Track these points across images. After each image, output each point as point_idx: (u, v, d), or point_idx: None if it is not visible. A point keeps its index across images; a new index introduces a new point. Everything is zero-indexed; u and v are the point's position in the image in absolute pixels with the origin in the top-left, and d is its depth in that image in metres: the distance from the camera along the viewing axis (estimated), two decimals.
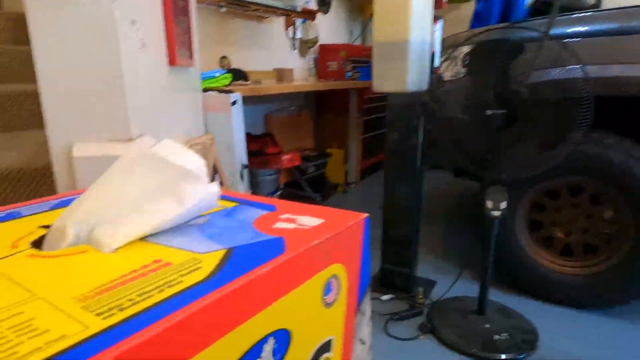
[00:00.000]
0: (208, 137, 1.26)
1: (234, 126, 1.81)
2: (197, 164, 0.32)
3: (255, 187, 2.70)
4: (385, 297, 1.79)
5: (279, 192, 2.84)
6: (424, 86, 1.44)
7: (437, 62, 1.59)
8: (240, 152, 1.86)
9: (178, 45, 1.07)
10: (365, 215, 0.39)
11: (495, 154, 1.40)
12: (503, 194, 1.43)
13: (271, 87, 2.28)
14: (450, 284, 1.87)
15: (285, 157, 2.69)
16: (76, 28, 0.57)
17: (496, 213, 1.43)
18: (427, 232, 2.53)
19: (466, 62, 1.78)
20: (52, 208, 0.38)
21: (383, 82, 1.41)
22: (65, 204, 0.39)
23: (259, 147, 2.72)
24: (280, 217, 0.35)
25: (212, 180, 1.11)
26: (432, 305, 1.73)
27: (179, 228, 0.31)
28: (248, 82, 2.28)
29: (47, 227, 0.32)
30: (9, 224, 0.34)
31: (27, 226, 0.33)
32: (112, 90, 0.60)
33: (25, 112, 1.68)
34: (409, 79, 1.34)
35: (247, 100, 1.89)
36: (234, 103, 1.79)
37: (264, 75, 2.89)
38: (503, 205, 1.43)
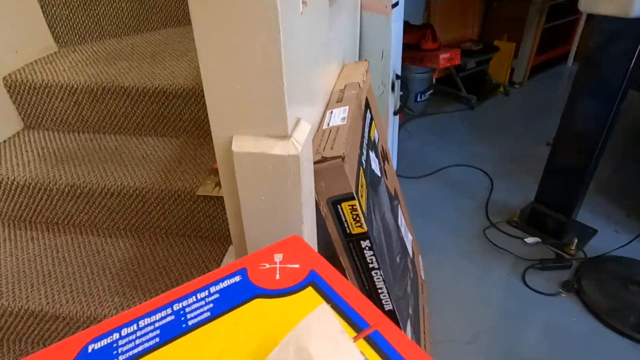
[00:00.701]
0: (363, 66, 1.15)
1: (393, 31, 1.62)
2: None
3: (404, 84, 2.51)
4: (530, 240, 1.65)
5: (430, 92, 2.63)
6: None
7: None
8: (395, 61, 1.71)
9: None
10: None
11: None
12: None
13: None
14: (613, 238, 1.62)
15: (444, 55, 2.40)
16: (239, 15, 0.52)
17: None
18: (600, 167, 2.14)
19: None
20: (215, 314, 0.39)
21: (597, 0, 1.05)
22: (223, 303, 0.38)
23: (416, 41, 2.45)
24: None
25: (364, 116, 1.05)
26: (586, 260, 1.55)
27: None
28: None
29: None
30: (175, 348, 0.34)
31: (194, 358, 0.33)
32: (269, 83, 0.56)
33: (182, 11, 1.73)
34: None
35: None
36: (395, 5, 1.58)
37: None
38: None
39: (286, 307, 0.40)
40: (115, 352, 0.37)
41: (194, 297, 0.43)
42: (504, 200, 1.88)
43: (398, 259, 1.09)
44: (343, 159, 0.70)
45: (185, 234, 1.16)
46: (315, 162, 0.71)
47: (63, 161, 1.19)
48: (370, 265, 0.81)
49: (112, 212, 1.15)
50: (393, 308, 0.88)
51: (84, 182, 1.11)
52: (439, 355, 1.25)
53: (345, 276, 0.85)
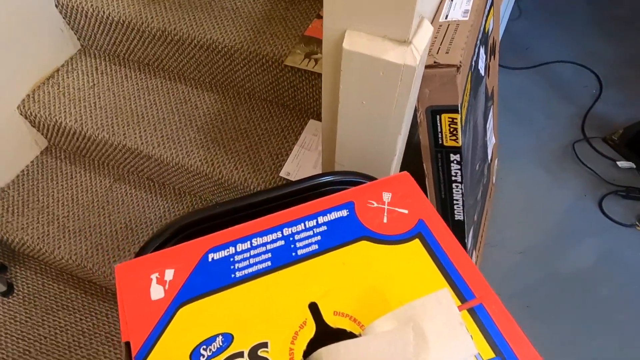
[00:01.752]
0: None
1: None
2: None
3: None
4: (622, 164, 1.51)
5: None
6: None
7: None
8: None
9: None
10: None
11: None
12: None
13: None
14: None
15: None
16: None
17: None
18: None
19: None
20: (323, 249, 0.37)
21: None
22: (331, 238, 0.36)
23: None
24: None
25: (486, 3, 0.89)
26: None
27: None
28: None
29: (315, 311, 0.34)
30: (285, 276, 0.34)
31: (302, 291, 0.33)
32: None
33: None
34: None
35: None
36: None
37: None
38: None
39: (392, 257, 0.40)
40: (232, 267, 0.40)
41: (302, 224, 0.43)
42: (607, 113, 1.68)
43: (477, 167, 1.05)
44: (458, 68, 0.62)
45: (267, 99, 1.16)
46: (425, 67, 0.64)
47: (155, 0, 1.16)
48: (453, 178, 0.79)
49: (199, 64, 1.15)
50: (463, 219, 0.88)
51: (174, 29, 1.09)
52: (488, 258, 1.29)
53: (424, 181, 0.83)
